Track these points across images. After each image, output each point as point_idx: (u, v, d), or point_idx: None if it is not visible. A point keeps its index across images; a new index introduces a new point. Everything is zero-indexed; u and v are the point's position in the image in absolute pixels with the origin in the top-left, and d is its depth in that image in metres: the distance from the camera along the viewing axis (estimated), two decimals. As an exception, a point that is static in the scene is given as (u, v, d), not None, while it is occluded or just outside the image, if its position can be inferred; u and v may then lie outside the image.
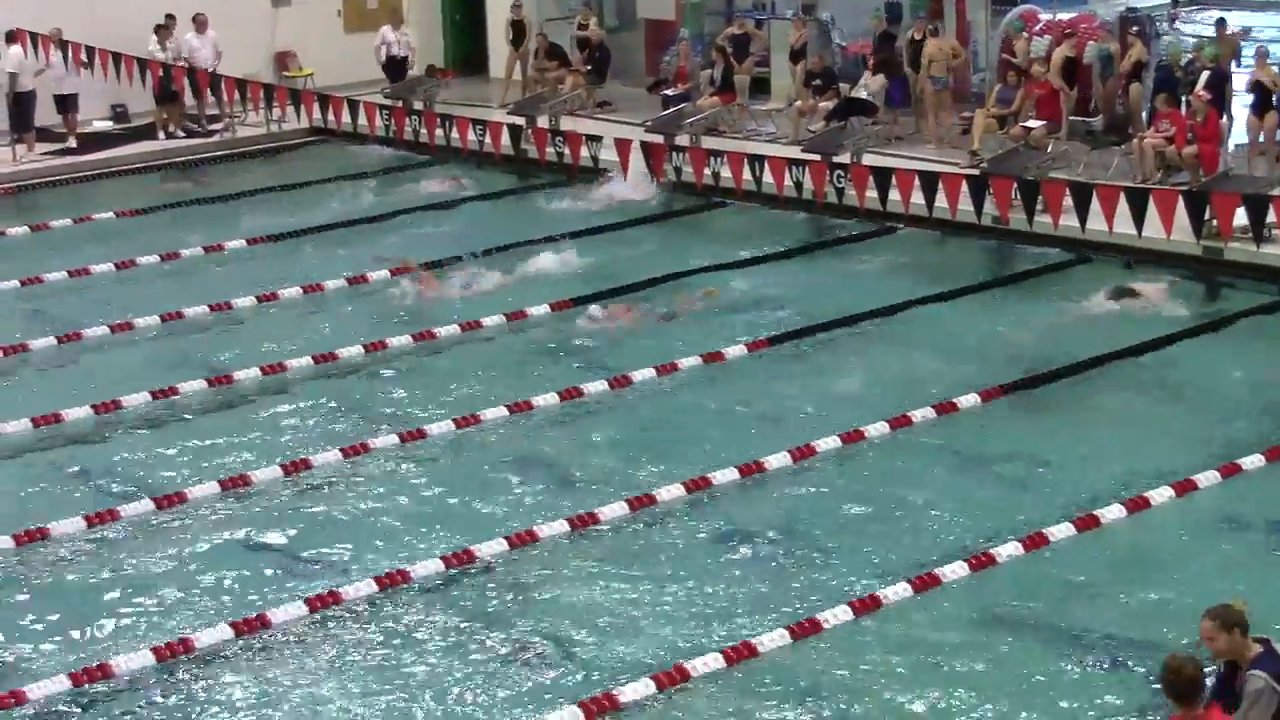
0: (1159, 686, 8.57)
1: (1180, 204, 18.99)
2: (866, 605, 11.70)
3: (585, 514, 13.23)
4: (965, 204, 20.26)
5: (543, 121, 26.01)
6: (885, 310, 18.01)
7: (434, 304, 18.93)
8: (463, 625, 11.76)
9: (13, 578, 12.60)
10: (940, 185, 20.47)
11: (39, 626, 11.85)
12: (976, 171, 21.38)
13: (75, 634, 11.73)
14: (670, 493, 13.61)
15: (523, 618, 11.84)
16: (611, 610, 11.89)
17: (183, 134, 27.76)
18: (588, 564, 12.57)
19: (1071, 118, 23.59)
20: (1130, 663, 11.00)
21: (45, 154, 26.48)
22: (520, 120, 25.81)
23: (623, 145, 23.54)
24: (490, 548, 12.71)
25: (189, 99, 27.88)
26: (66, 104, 26.93)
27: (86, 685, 10.94)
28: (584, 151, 24.06)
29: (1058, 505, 13.33)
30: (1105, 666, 11.02)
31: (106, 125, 28.25)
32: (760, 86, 27.67)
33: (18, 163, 25.79)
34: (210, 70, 27.41)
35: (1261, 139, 21.95)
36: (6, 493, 14.02)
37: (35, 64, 25.92)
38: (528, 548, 12.81)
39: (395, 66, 28.93)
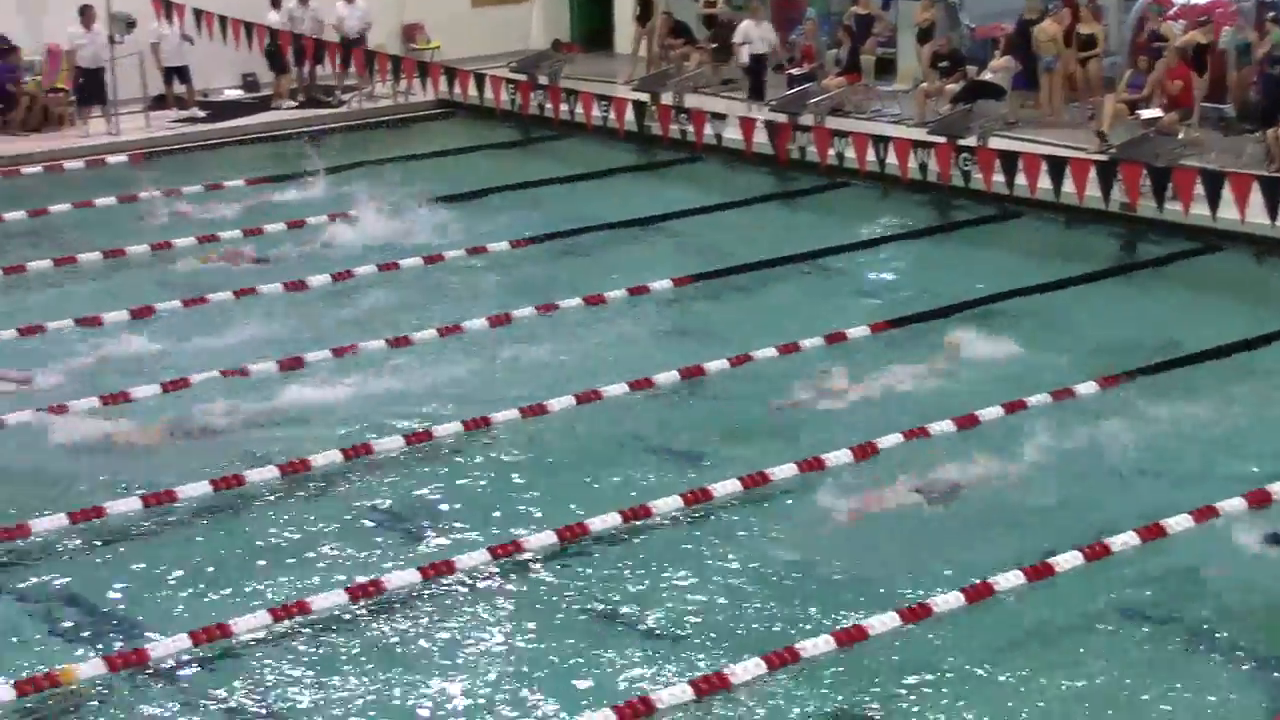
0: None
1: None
2: (980, 592, 11.62)
3: (698, 490, 13.23)
4: (1092, 189, 20.05)
5: (667, 98, 26.01)
6: (1006, 295, 17.87)
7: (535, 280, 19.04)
8: (574, 599, 11.81)
9: (140, 539, 12.79)
10: (1068, 170, 20.27)
11: (163, 587, 12.04)
12: (1105, 157, 21.14)
13: (197, 594, 11.90)
14: (784, 472, 13.58)
15: (635, 593, 11.87)
16: (724, 588, 11.89)
17: (293, 104, 28.04)
18: (701, 540, 12.57)
19: (1203, 104, 23.26)
20: (1257, 660, 10.85)
21: (175, 121, 26.89)
22: (644, 97, 25.84)
23: (746, 124, 23.52)
24: (604, 521, 12.75)
25: (316, 69, 28.28)
26: (181, 75, 27.34)
27: (206, 644, 11.10)
28: (708, 129, 24.05)
29: (1177, 496, 13.16)
30: (1229, 663, 10.87)
31: (236, 94, 28.61)
32: (886, 67, 27.51)
33: (149, 129, 26.19)
34: (355, 38, 27.76)
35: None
36: (136, 457, 14.21)
37: (91, 39, 26.19)
38: (641, 522, 12.84)
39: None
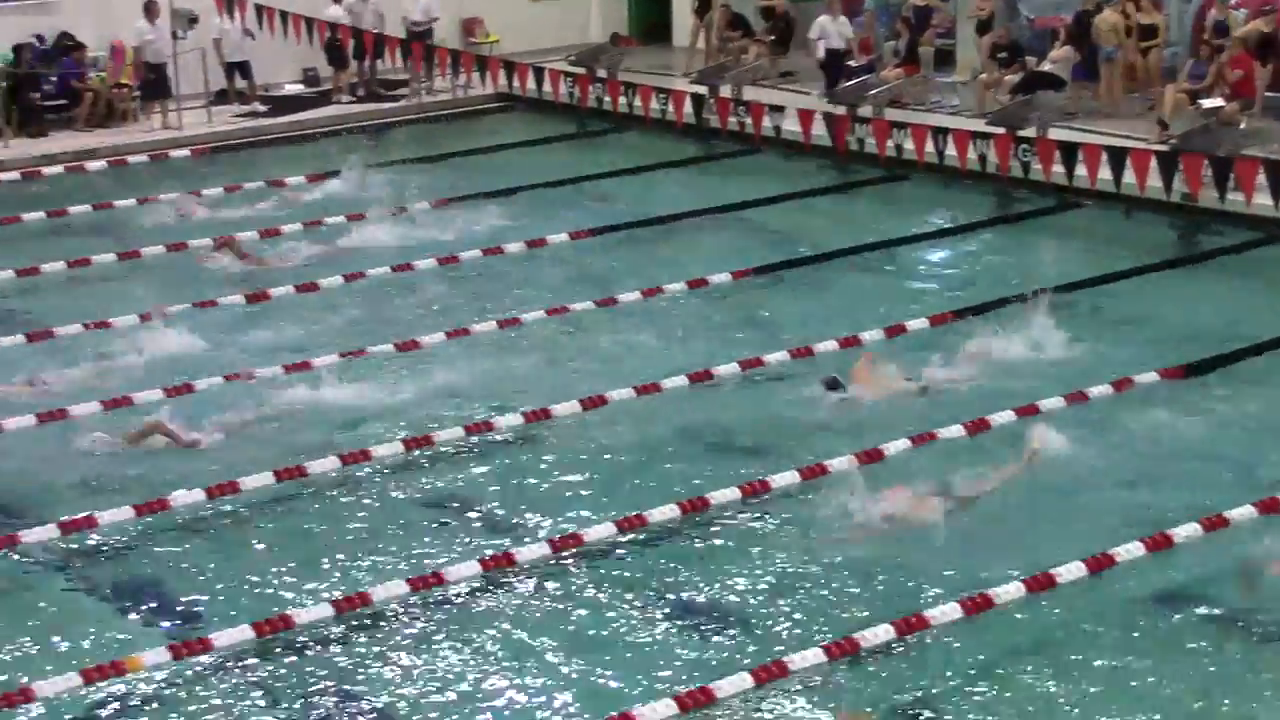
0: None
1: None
2: (1040, 583, 11.59)
3: (757, 482, 13.25)
4: (1153, 180, 19.95)
5: (725, 91, 26.01)
6: (1066, 287, 17.78)
7: (614, 270, 19.09)
8: (633, 589, 11.84)
9: (203, 530, 12.92)
10: (1128, 161, 20.17)
11: (226, 577, 12.16)
12: (1166, 147, 21.02)
13: (260, 585, 12.01)
14: (841, 463, 13.58)
15: (693, 583, 11.90)
16: (783, 578, 11.91)
17: (352, 99, 28.19)
18: (758, 531, 12.58)
19: (1266, 93, 23.08)
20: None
21: (236, 116, 27.08)
22: (703, 89, 25.85)
23: (805, 116, 23.51)
24: (663, 513, 12.79)
25: (376, 64, 28.46)
26: (243, 70, 27.55)
27: (269, 635, 11.19)
28: (766, 121, 24.05)
29: (1237, 487, 13.09)
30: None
31: (297, 89, 28.79)
32: (945, 59, 27.43)
33: (212, 124, 26.39)
34: (422, 31, 27.94)
35: None
36: (198, 449, 14.31)
37: (156, 35, 26.38)
38: (700, 513, 12.86)
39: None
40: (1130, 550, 11.98)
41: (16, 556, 12.41)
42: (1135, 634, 11.10)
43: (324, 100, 28.28)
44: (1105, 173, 20.34)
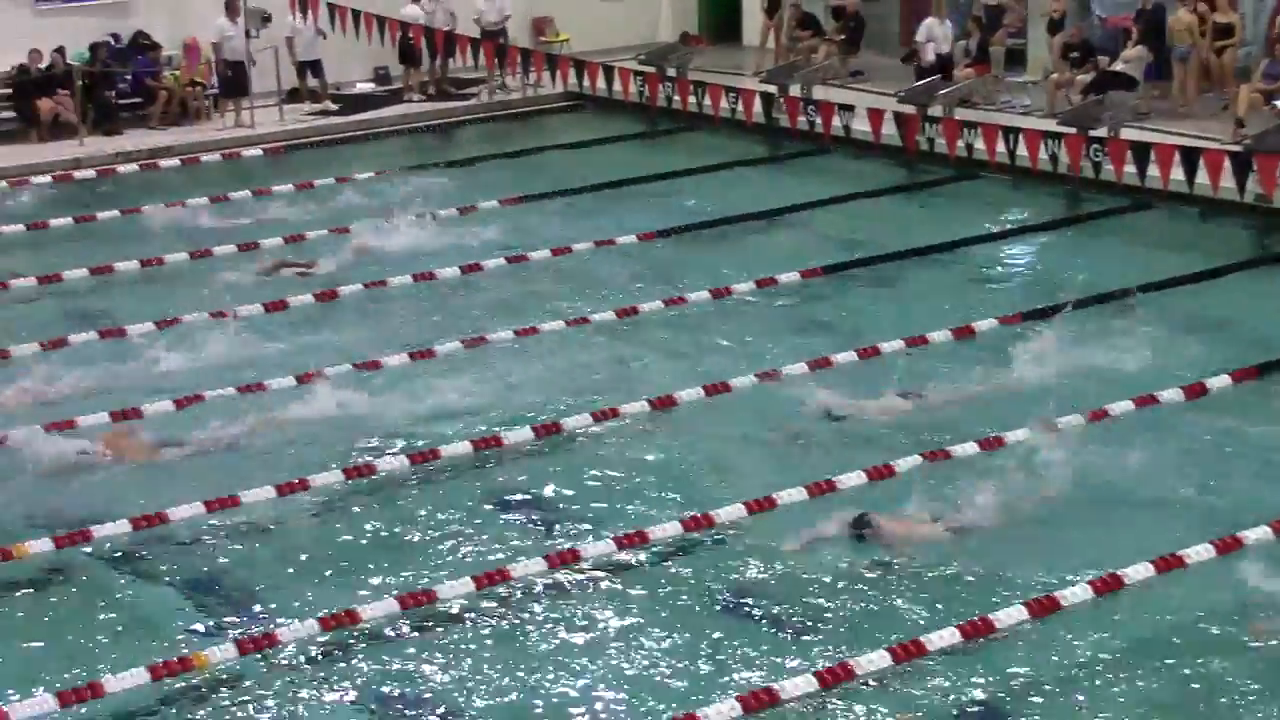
0: None
1: None
2: (1108, 584, 11.52)
3: (823, 481, 13.23)
4: (1226, 181, 19.78)
5: (795, 90, 25.97)
6: (1138, 288, 17.65)
7: (686, 268, 19.08)
8: (698, 589, 11.84)
9: (272, 527, 13.01)
10: (1201, 161, 20.02)
11: (293, 573, 12.25)
12: (1239, 148, 20.84)
13: (327, 581, 12.09)
14: (909, 463, 13.54)
15: (759, 583, 11.89)
16: (848, 578, 11.88)
17: (423, 98, 28.32)
18: (824, 532, 12.55)
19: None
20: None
21: (308, 115, 27.27)
22: (773, 89, 25.82)
23: (875, 115, 23.45)
24: (729, 512, 12.77)
25: (447, 62, 28.58)
26: (314, 69, 27.73)
27: (335, 630, 11.25)
28: (836, 121, 24.00)
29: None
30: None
31: (368, 87, 28.95)
32: (1015, 58, 27.29)
33: (283, 122, 26.58)
34: (495, 30, 28.07)
35: None
36: (269, 447, 14.43)
37: (236, 32, 26.56)
38: (765, 513, 12.84)
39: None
40: (1199, 553, 11.88)
41: (88, 552, 12.53)
42: (1202, 639, 11.01)
43: (395, 99, 28.42)
44: (1178, 173, 20.18)
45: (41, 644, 11.32)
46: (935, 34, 26.56)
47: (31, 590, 12.08)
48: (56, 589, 12.11)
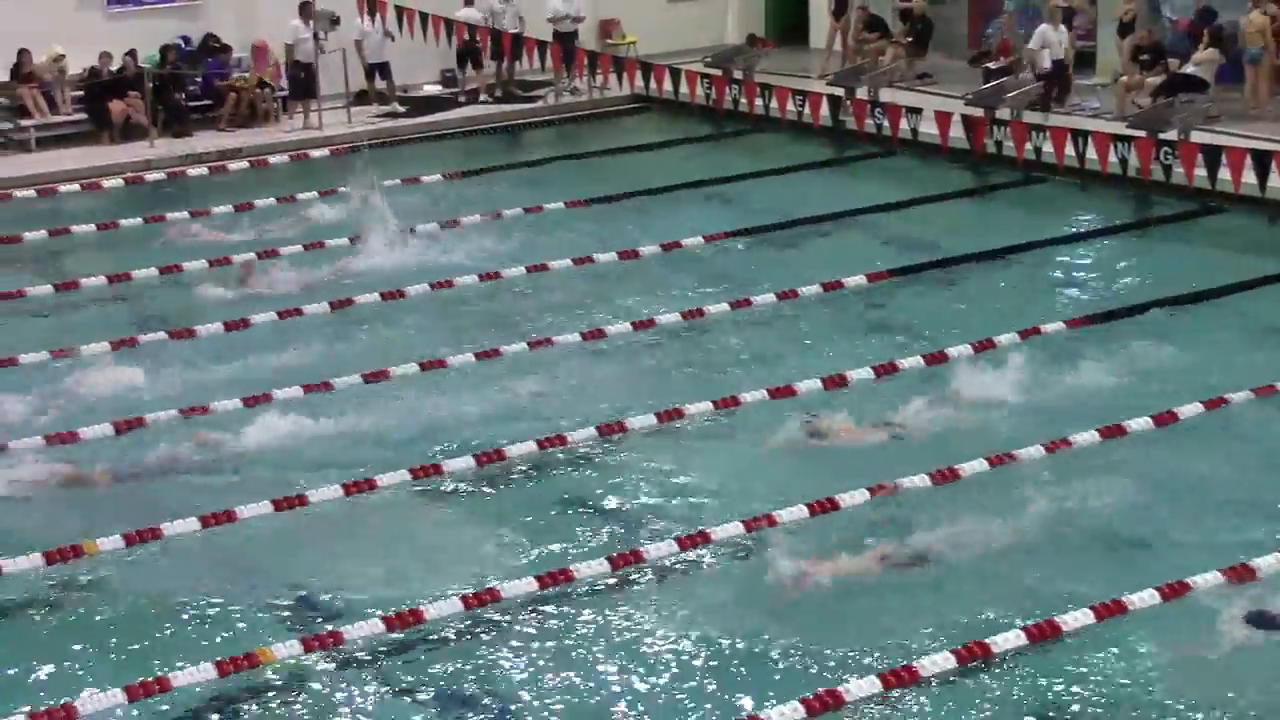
0: None
1: None
2: (1175, 590, 11.43)
3: (887, 483, 13.16)
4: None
5: (862, 93, 25.88)
6: (1206, 294, 17.53)
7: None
8: (760, 590, 11.79)
9: (338, 526, 13.07)
10: (1273, 165, 19.83)
11: (358, 572, 12.28)
12: (1312, 151, 20.64)
13: (391, 580, 12.12)
14: (972, 468, 13.48)
15: (820, 584, 11.82)
16: (913, 580, 11.82)
17: (489, 100, 28.39)
18: (888, 533, 12.50)
19: None
20: None
21: (375, 116, 27.39)
22: (839, 91, 25.75)
23: (942, 118, 23.36)
24: (791, 514, 12.74)
25: (514, 65, 28.65)
26: (382, 71, 27.86)
27: (399, 629, 11.30)
28: (903, 124, 23.92)
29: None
30: None
31: (435, 89, 29.05)
32: (1086, 60, 27.11)
33: (351, 124, 26.71)
34: (568, 32, 28.14)
35: None
36: (337, 446, 14.47)
37: (309, 34, 26.69)
38: (828, 514, 12.80)
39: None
40: (1269, 563, 11.75)
41: (156, 549, 12.63)
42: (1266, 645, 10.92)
43: (460, 101, 28.50)
44: (1249, 177, 20.00)
45: (114, 640, 11.40)
46: (1049, 39, 25.73)
47: (97, 590, 12.16)
48: (126, 586, 12.17)
